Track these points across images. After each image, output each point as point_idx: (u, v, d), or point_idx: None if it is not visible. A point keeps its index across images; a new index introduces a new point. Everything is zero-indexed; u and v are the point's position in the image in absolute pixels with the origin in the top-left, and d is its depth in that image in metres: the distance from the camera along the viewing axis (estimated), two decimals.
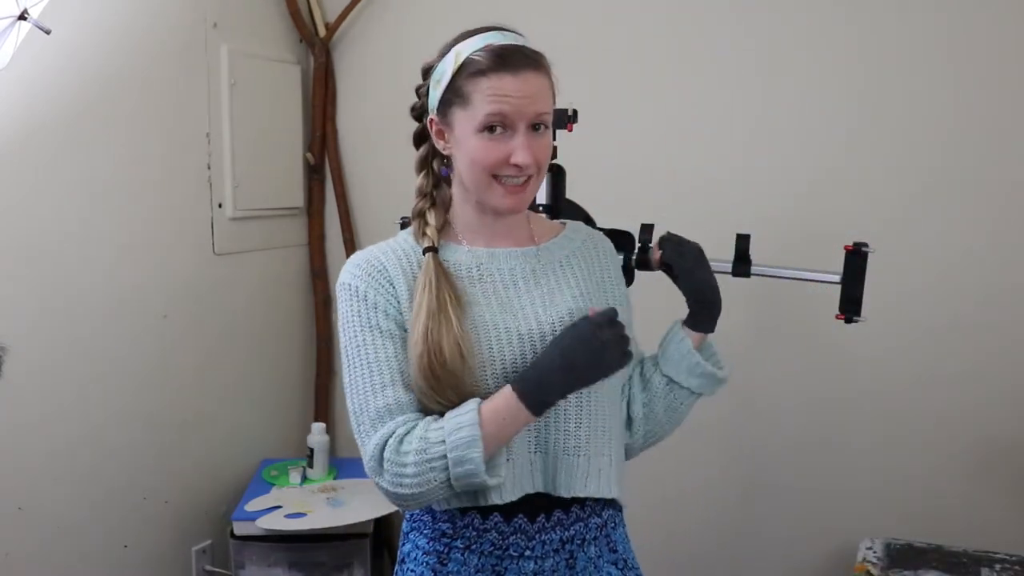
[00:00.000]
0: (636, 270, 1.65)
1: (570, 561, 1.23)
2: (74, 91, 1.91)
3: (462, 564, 1.21)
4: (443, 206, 1.25)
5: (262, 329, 2.46)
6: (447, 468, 1.09)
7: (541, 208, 1.66)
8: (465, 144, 1.16)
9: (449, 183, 1.25)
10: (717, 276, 1.56)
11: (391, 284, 1.18)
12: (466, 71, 1.15)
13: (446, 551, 1.21)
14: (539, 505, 1.21)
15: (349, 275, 1.20)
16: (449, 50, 1.19)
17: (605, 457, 1.24)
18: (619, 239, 1.67)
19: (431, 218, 1.23)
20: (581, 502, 1.23)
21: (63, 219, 1.91)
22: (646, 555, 2.23)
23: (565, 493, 1.20)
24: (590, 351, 1.11)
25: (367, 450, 1.13)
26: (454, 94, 1.16)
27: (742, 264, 1.59)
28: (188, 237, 2.21)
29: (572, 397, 1.19)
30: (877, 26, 2.00)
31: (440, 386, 1.13)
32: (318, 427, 2.36)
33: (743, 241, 1.58)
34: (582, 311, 1.20)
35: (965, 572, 1.75)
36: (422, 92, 1.24)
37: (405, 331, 1.17)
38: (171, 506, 2.20)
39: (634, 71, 2.23)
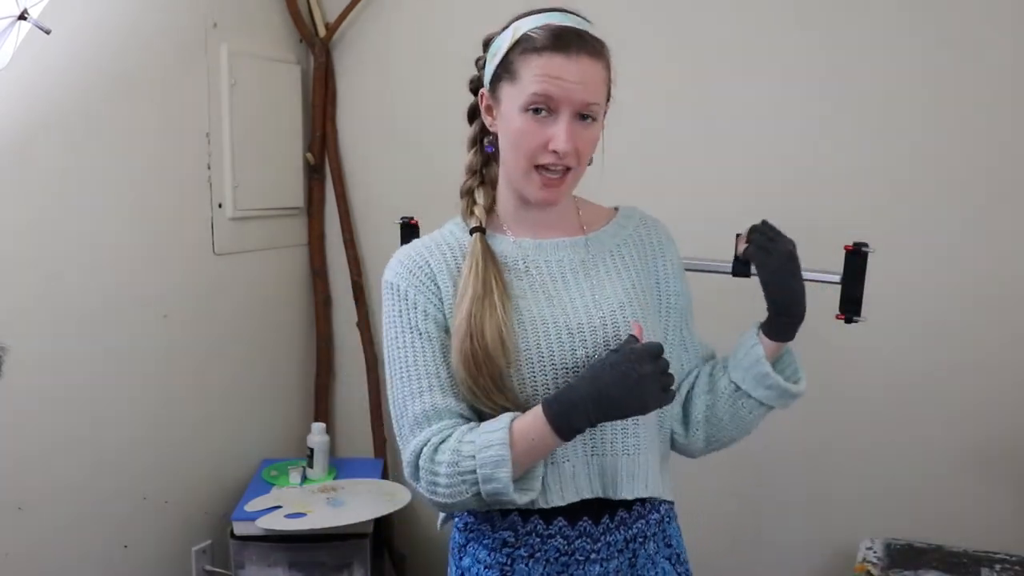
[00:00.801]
0: None
1: (632, 560, 1.20)
2: (74, 91, 1.91)
3: (527, 574, 1.16)
4: (492, 185, 1.21)
5: (262, 329, 2.46)
6: (477, 483, 1.06)
7: None
8: (509, 122, 1.12)
9: (497, 161, 1.20)
10: (717, 276, 1.57)
11: (434, 282, 1.15)
12: (520, 47, 1.11)
13: (509, 562, 1.16)
14: (602, 506, 1.17)
15: (392, 272, 1.17)
16: (510, 24, 1.15)
17: (659, 456, 1.22)
18: None
19: (479, 197, 1.19)
20: (642, 500, 1.20)
21: (63, 219, 1.91)
22: None
23: (628, 495, 1.16)
24: (627, 386, 1.02)
25: (405, 455, 1.12)
26: (505, 69, 1.12)
27: (742, 264, 1.58)
28: (188, 237, 2.21)
29: None
30: (879, 26, 2.00)
31: (479, 374, 1.09)
32: (318, 427, 2.36)
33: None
34: (633, 304, 1.17)
35: (965, 572, 1.75)
36: (480, 64, 1.20)
37: (447, 332, 1.13)
38: (171, 506, 2.20)
39: (636, 71, 2.22)
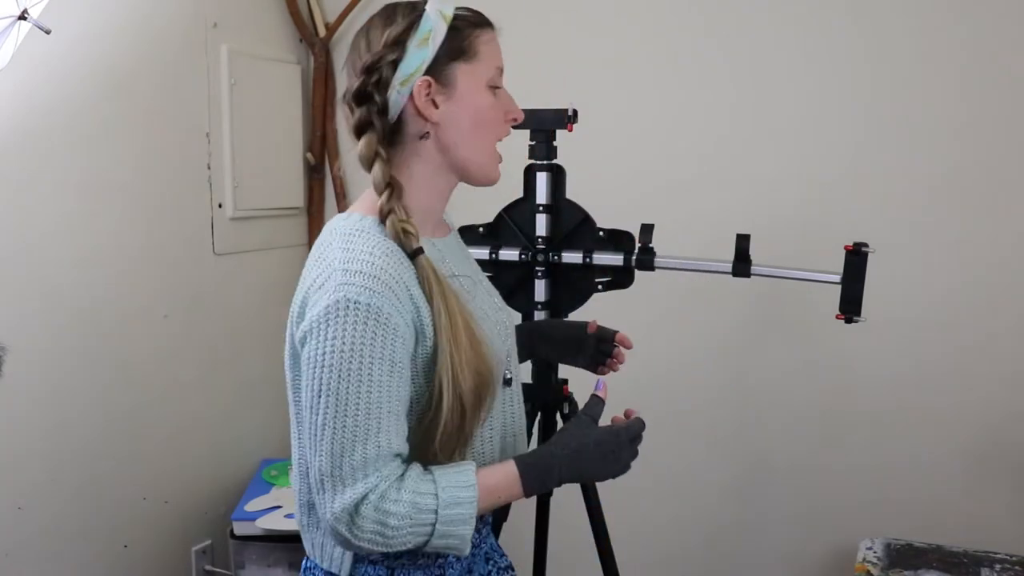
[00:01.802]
0: (636, 270, 1.66)
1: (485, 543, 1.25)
2: (74, 91, 1.91)
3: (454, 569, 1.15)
4: (401, 196, 1.08)
5: (262, 329, 2.45)
6: (431, 536, 1.00)
7: (541, 208, 1.66)
8: (474, 101, 1.07)
9: (406, 162, 1.11)
10: (718, 276, 1.58)
11: (412, 302, 1.02)
12: (463, 24, 1.07)
13: (442, 572, 1.14)
14: None
15: (367, 292, 0.98)
16: (415, 13, 1.07)
17: None
18: (619, 240, 1.67)
19: (402, 212, 1.05)
20: None
21: (63, 219, 1.90)
22: (646, 555, 2.24)
23: None
24: (607, 464, 1.05)
25: (338, 501, 0.98)
26: (454, 48, 1.06)
27: (742, 264, 1.59)
28: (188, 237, 2.21)
29: (519, 377, 1.21)
30: (877, 27, 2.00)
31: (480, 402, 1.04)
32: None
33: (743, 241, 1.58)
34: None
35: (965, 572, 1.75)
36: (384, 64, 1.05)
37: (415, 356, 1.03)
38: (171, 506, 2.20)
39: (634, 71, 2.23)
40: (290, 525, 2.08)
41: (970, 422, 2.00)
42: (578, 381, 1.59)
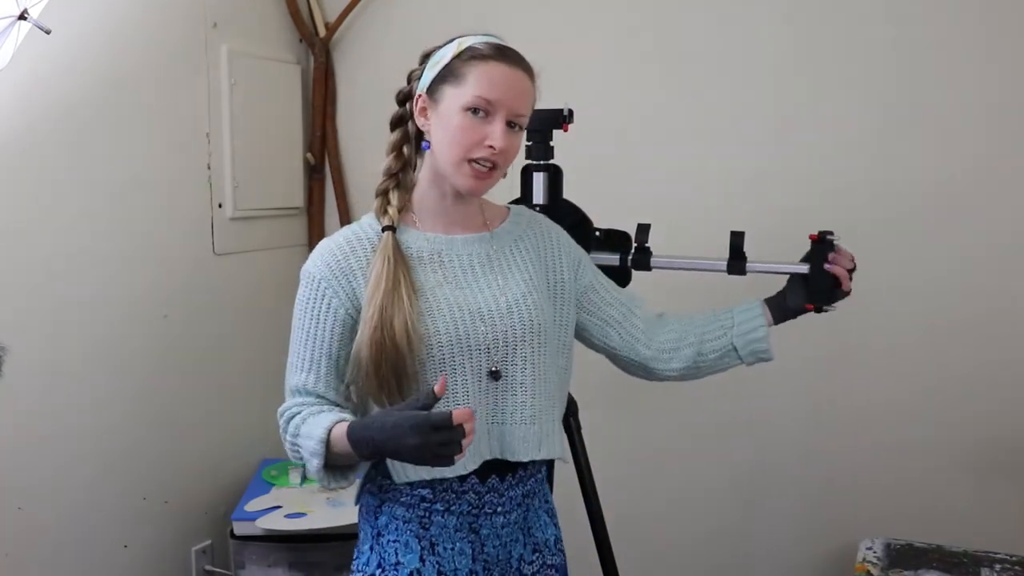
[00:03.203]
0: (633, 270, 1.66)
1: (526, 513, 1.37)
2: (74, 91, 1.91)
3: (443, 526, 1.30)
4: (407, 189, 1.33)
5: (262, 329, 2.46)
6: (302, 458, 1.24)
7: (538, 208, 1.66)
8: (447, 119, 1.24)
9: (415, 167, 1.34)
10: (715, 275, 1.58)
11: (349, 280, 1.27)
12: (467, 54, 1.25)
13: (427, 515, 1.29)
14: (504, 465, 1.32)
15: (313, 264, 1.29)
16: (453, 40, 1.29)
17: (553, 423, 1.36)
18: (615, 239, 1.67)
19: (393, 198, 1.30)
20: (534, 460, 1.34)
21: (63, 219, 1.91)
22: (647, 555, 2.24)
23: (523, 458, 1.31)
24: (406, 445, 1.11)
25: (279, 409, 1.29)
26: (449, 72, 1.25)
27: (737, 262, 1.58)
28: (188, 237, 2.21)
29: (527, 370, 1.30)
30: (877, 27, 2.00)
31: (383, 362, 1.21)
32: None
33: (737, 238, 1.58)
34: (534, 293, 1.33)
35: (965, 572, 1.75)
36: (414, 76, 1.32)
37: (353, 328, 1.26)
38: (171, 506, 2.20)
39: (630, 71, 2.23)
40: (290, 525, 2.08)
41: (971, 422, 1.99)
42: (578, 386, 1.59)
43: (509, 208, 1.43)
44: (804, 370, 2.13)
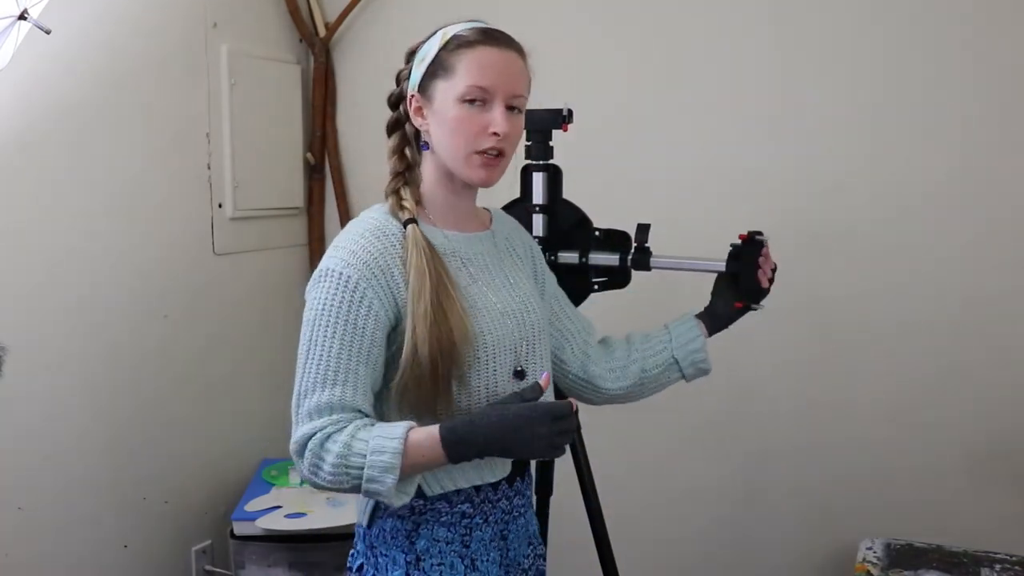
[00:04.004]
0: (632, 270, 1.66)
1: (530, 511, 1.36)
2: (74, 91, 1.91)
3: (480, 540, 1.25)
4: (416, 185, 1.28)
5: (262, 329, 2.46)
6: (360, 479, 1.11)
7: (538, 208, 1.66)
8: (444, 114, 1.20)
9: (419, 166, 1.29)
10: (708, 275, 1.58)
11: (387, 277, 1.18)
12: (452, 44, 1.21)
13: (468, 532, 1.24)
14: (516, 465, 1.30)
15: (343, 263, 1.17)
16: (436, 32, 1.25)
17: None
18: (615, 239, 1.67)
19: (406, 194, 1.25)
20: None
21: (63, 219, 1.91)
22: (647, 555, 2.24)
23: (544, 457, 1.24)
24: (522, 439, 1.09)
25: (295, 434, 1.15)
26: (438, 67, 1.21)
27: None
28: (188, 237, 2.21)
29: (545, 367, 1.29)
30: (877, 26, 2.00)
31: (442, 358, 1.15)
32: None
33: (642, 233, 1.61)
34: (534, 292, 1.32)
35: (965, 572, 1.75)
36: (403, 76, 1.29)
37: (394, 328, 1.19)
38: (171, 506, 2.20)
39: (630, 71, 2.23)
40: (290, 525, 2.08)
41: (970, 422, 1.99)
42: None
43: (488, 209, 1.41)
44: (804, 370, 2.13)
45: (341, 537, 2.12)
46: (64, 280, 1.92)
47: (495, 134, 1.19)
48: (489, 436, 1.10)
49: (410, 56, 1.28)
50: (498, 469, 1.25)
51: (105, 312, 2.01)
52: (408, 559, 1.23)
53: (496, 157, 1.21)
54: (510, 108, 1.21)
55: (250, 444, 2.45)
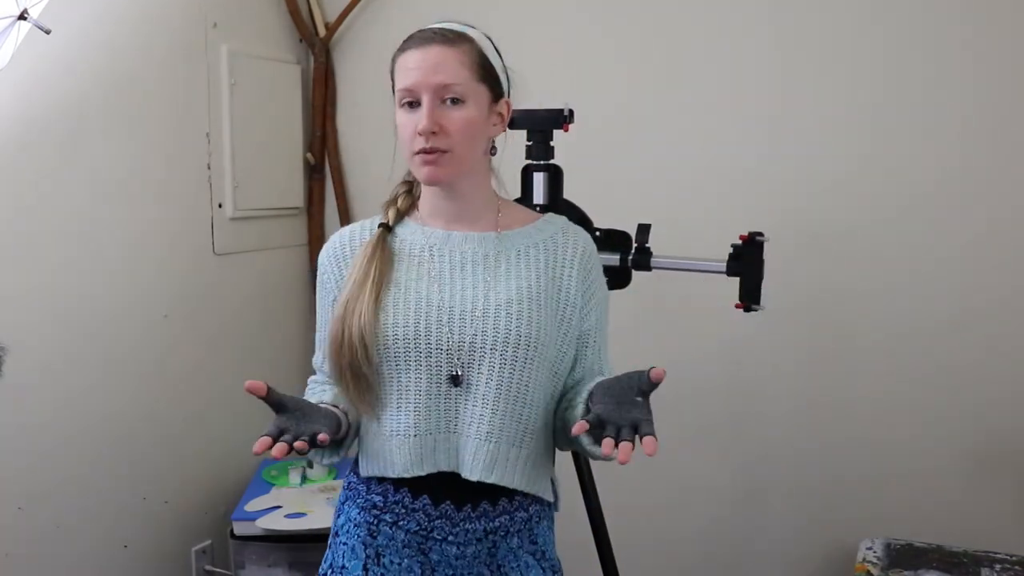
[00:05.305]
0: (632, 270, 1.66)
1: (492, 550, 1.26)
2: (74, 91, 1.91)
3: (390, 538, 1.26)
4: (416, 197, 1.34)
5: (262, 329, 2.46)
6: None
7: (539, 208, 1.66)
8: (396, 120, 1.25)
9: None
10: (714, 275, 1.57)
11: (341, 270, 1.30)
12: (394, 56, 1.25)
13: (376, 523, 1.27)
14: (466, 493, 1.23)
15: (323, 251, 1.34)
16: None
17: (519, 448, 1.23)
18: (615, 240, 1.67)
19: (399, 201, 1.33)
20: (509, 495, 1.25)
21: (63, 219, 1.91)
22: (647, 556, 2.24)
23: (471, 476, 1.21)
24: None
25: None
26: (392, 79, 1.26)
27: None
28: (188, 237, 2.21)
29: (492, 385, 1.20)
30: (878, 27, 2.00)
31: (340, 356, 1.22)
32: None
33: (643, 233, 1.61)
34: (524, 303, 1.23)
35: (965, 572, 1.75)
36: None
37: None
38: (171, 506, 2.20)
39: (630, 71, 2.23)
40: (290, 525, 2.08)
41: (971, 422, 1.99)
42: None
43: (543, 215, 1.34)
44: (804, 370, 2.13)
45: None
46: (64, 280, 1.92)
47: (420, 133, 1.19)
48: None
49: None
50: (397, 466, 1.22)
51: (105, 312, 2.01)
52: (333, 531, 1.35)
53: (438, 154, 1.19)
54: (446, 101, 1.19)
55: (250, 444, 2.39)
